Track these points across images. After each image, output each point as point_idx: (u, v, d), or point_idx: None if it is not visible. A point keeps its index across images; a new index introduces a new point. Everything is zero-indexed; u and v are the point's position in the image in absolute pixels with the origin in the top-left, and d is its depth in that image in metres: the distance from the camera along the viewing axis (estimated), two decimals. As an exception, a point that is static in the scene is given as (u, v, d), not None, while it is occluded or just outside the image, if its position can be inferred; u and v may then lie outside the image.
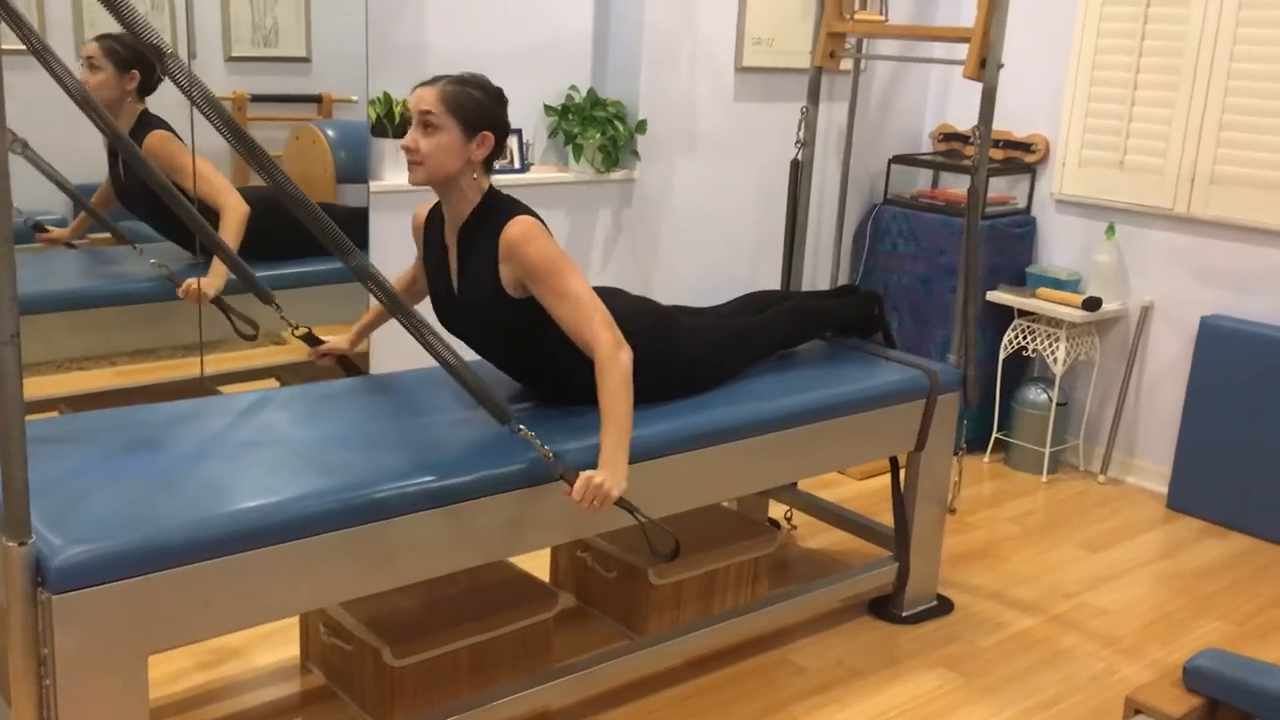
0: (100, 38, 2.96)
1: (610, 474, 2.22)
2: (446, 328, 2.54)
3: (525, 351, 2.50)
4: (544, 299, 2.33)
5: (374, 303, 2.73)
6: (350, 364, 2.85)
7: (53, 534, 1.82)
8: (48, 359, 3.07)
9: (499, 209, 2.38)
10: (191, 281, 3.08)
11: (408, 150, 2.33)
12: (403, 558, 2.16)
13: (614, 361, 2.27)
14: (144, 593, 1.85)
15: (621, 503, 2.26)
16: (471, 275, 2.42)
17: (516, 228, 2.32)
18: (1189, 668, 2.11)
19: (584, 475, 2.21)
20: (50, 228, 3.12)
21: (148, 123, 3.08)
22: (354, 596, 2.17)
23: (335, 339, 2.80)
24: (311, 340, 2.75)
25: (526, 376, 2.59)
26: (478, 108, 2.32)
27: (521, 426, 2.23)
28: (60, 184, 2.99)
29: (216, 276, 3.06)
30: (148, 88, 3.08)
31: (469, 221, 2.39)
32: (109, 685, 1.85)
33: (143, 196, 3.12)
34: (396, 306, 2.16)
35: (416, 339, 2.16)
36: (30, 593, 1.76)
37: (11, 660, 1.79)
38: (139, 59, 3.00)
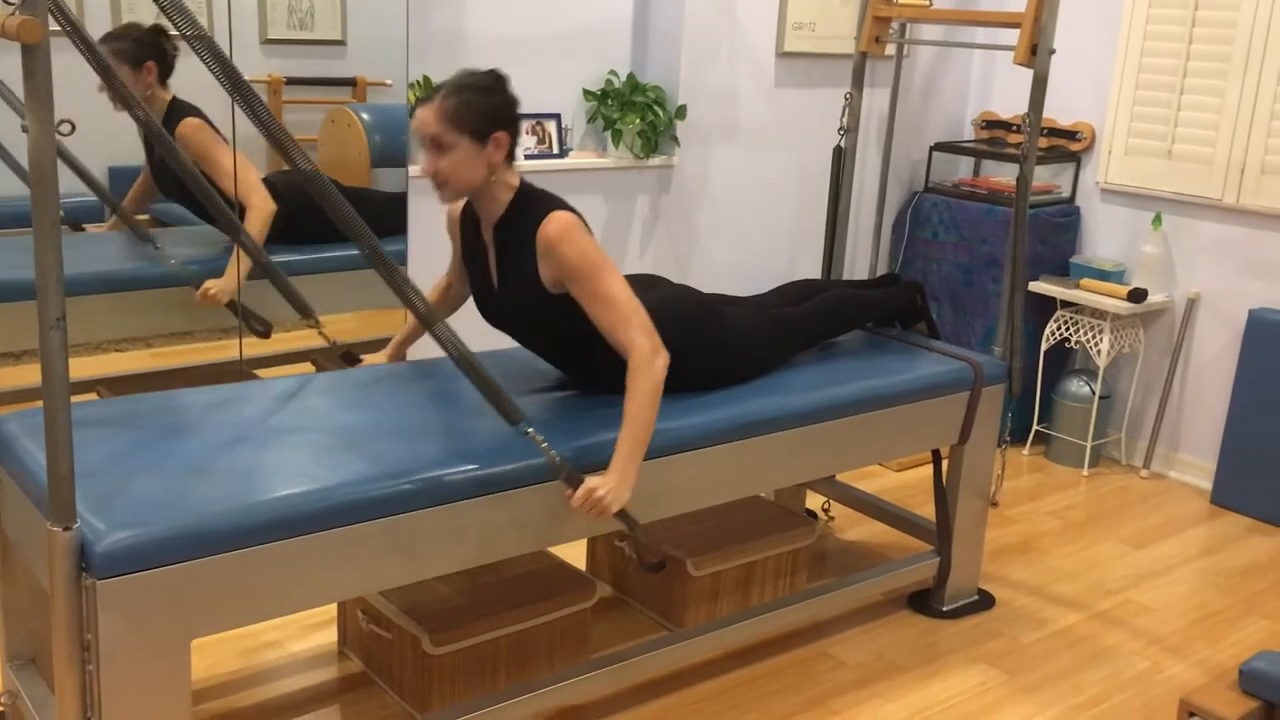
0: (104, 39, 2.86)
1: (616, 483, 2.19)
2: (487, 320, 2.51)
3: (564, 344, 2.47)
4: (581, 299, 2.28)
5: (411, 317, 2.64)
6: None
7: (96, 519, 1.80)
8: (84, 340, 3.06)
9: (534, 205, 2.32)
10: (208, 284, 3.04)
11: (429, 175, 2.26)
12: (446, 546, 2.14)
13: (648, 368, 2.22)
14: (187, 578, 1.83)
15: (621, 514, 2.24)
16: (510, 272, 2.38)
17: (553, 225, 2.26)
18: (1245, 670, 2.07)
19: (587, 484, 2.18)
20: (86, 226, 3.08)
21: (179, 109, 3.04)
22: (396, 585, 2.15)
23: (373, 357, 2.73)
24: (351, 359, 2.70)
25: (566, 366, 2.56)
26: (481, 114, 2.23)
27: (530, 430, 2.15)
28: (90, 182, 2.94)
29: (229, 280, 3.02)
30: (167, 72, 3.02)
31: (504, 220, 2.35)
32: (152, 670, 1.84)
33: (177, 181, 3.10)
34: (409, 297, 2.07)
35: (429, 332, 2.09)
36: (74, 578, 1.75)
37: (55, 646, 1.78)
38: (150, 48, 2.95)
